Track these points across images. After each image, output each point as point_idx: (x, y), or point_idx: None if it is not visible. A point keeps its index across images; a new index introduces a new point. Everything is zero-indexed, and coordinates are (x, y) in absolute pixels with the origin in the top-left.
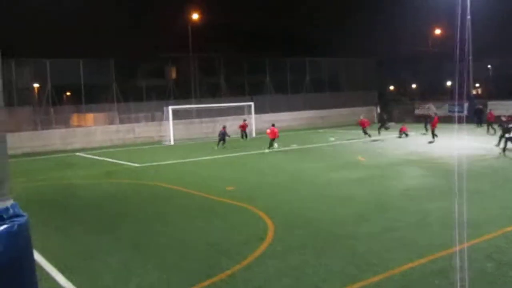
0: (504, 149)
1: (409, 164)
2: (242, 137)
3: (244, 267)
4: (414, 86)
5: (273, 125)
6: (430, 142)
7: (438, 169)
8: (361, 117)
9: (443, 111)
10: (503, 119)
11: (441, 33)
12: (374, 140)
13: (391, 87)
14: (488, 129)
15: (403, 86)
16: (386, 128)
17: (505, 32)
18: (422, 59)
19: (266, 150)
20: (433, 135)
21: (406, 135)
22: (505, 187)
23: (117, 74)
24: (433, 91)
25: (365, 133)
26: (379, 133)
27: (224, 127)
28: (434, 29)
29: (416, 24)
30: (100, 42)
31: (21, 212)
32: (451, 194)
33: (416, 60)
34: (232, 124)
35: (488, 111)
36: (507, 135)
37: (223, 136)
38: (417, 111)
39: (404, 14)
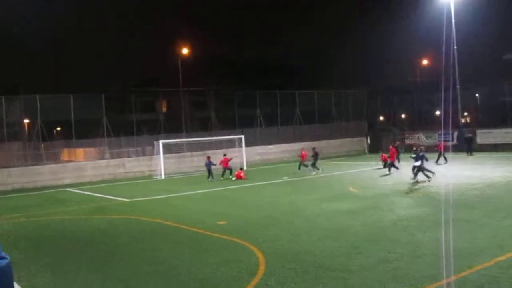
0: (415, 176)
1: (400, 194)
2: (223, 174)
3: None
4: (403, 116)
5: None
6: (384, 175)
7: (429, 199)
8: (303, 151)
9: (433, 140)
10: (414, 148)
11: (430, 64)
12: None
13: (381, 118)
14: (438, 158)
15: (393, 116)
16: (314, 166)
17: (493, 61)
18: (412, 89)
19: (233, 178)
20: (389, 167)
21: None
22: (496, 216)
23: (108, 108)
24: (423, 121)
25: (305, 165)
26: (312, 169)
27: (208, 157)
28: (422, 60)
29: (405, 55)
30: (90, 77)
31: (3, 254)
32: (442, 224)
33: (406, 90)
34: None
35: (438, 141)
36: (415, 163)
37: (209, 166)
38: (407, 141)
39: (394, 46)
